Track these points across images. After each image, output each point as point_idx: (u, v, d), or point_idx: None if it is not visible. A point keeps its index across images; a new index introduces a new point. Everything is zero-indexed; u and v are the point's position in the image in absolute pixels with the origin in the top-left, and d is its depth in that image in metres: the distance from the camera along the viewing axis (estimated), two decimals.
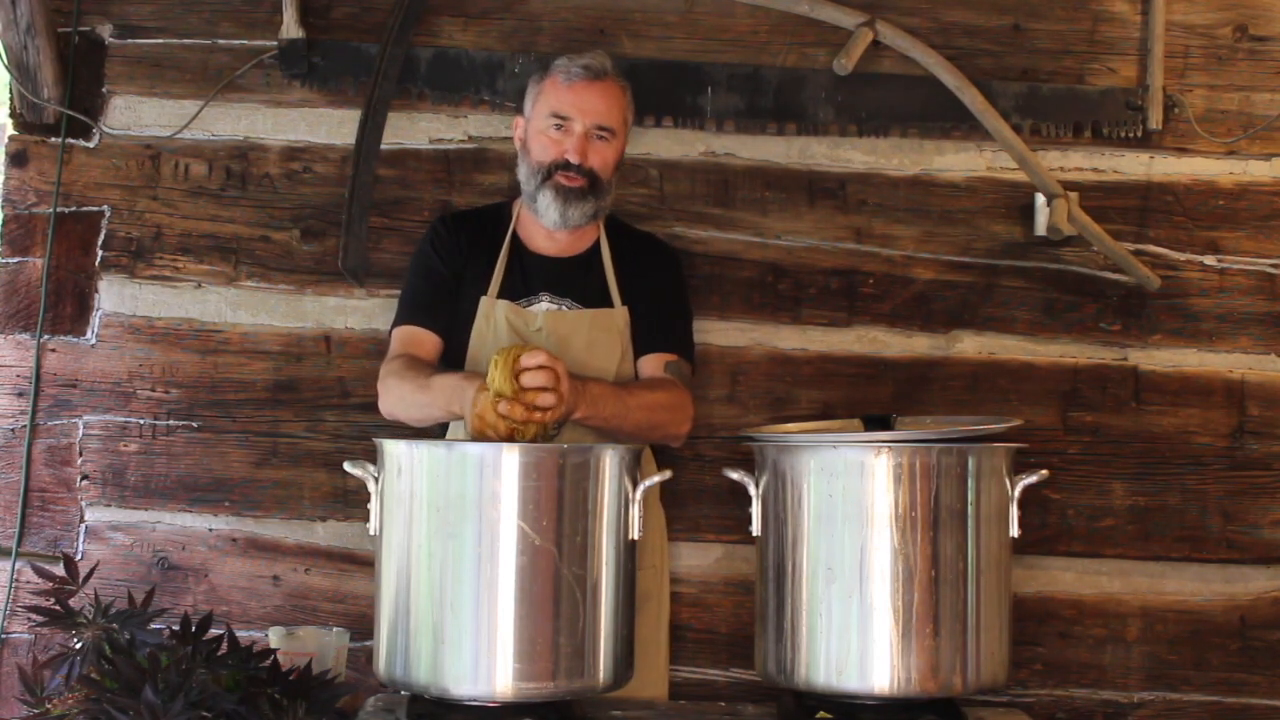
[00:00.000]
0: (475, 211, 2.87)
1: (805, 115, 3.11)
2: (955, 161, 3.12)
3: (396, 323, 2.74)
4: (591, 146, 2.64)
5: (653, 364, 2.70)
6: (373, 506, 2.16)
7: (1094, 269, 3.11)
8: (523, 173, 2.71)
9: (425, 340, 2.69)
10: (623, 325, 2.70)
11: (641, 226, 2.93)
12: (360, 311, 3.09)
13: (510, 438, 2.25)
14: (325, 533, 3.07)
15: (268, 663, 2.02)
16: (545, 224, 2.69)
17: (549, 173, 2.64)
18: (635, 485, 2.15)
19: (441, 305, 2.71)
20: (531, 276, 2.72)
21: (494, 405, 2.25)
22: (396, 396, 2.59)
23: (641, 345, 2.71)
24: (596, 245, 2.75)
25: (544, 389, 2.26)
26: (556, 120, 2.64)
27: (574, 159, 2.63)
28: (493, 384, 2.27)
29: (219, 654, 1.97)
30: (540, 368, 2.26)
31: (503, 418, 2.25)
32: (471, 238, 2.75)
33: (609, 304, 2.71)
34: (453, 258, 2.73)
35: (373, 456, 2.19)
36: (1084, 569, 3.08)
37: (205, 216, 3.11)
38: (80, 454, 3.08)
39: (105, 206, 3.11)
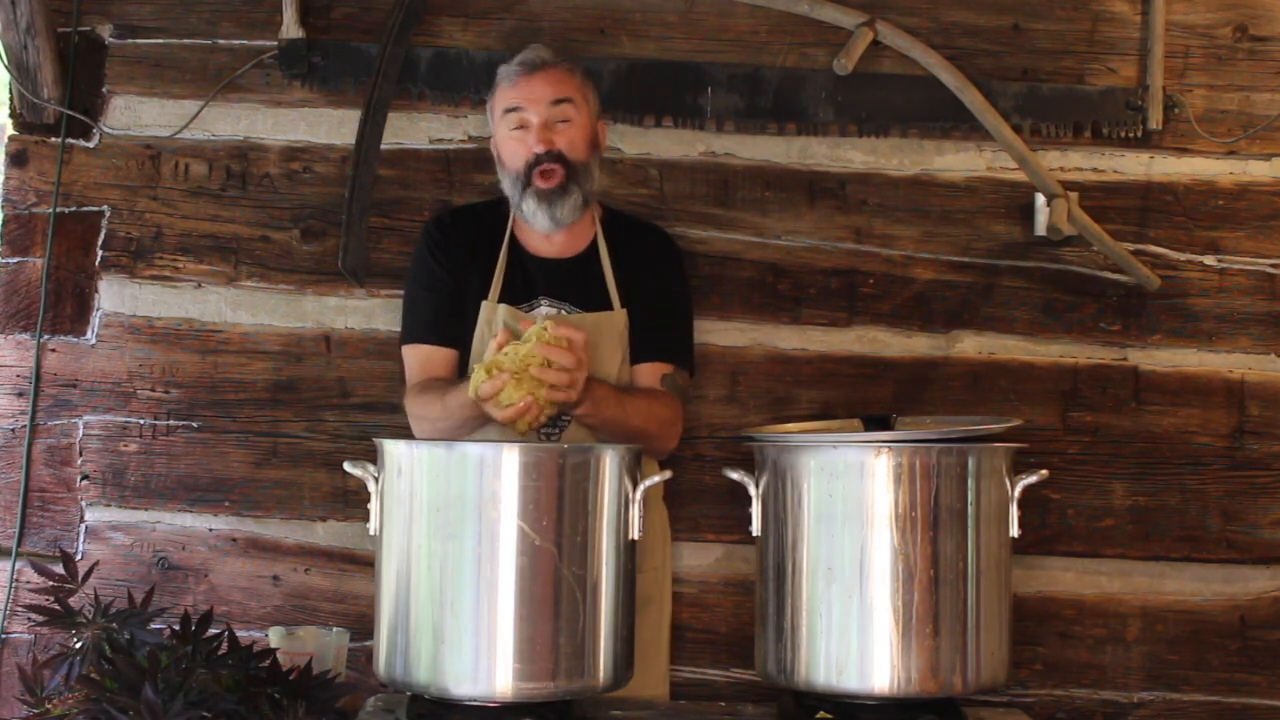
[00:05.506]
0: (469, 209, 2.85)
1: (805, 115, 3.11)
2: (955, 161, 3.12)
3: (406, 339, 2.73)
4: (554, 131, 2.63)
5: (648, 376, 2.68)
6: (373, 506, 2.16)
7: (1094, 269, 3.11)
8: (505, 185, 2.70)
9: (439, 359, 2.68)
10: (623, 328, 2.68)
11: None
12: (360, 311, 3.08)
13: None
14: (325, 533, 3.07)
15: (268, 663, 2.02)
16: (539, 229, 2.68)
17: (527, 178, 2.63)
18: (635, 485, 2.15)
19: (449, 315, 2.69)
20: (531, 279, 2.71)
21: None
22: (429, 426, 2.60)
23: (638, 352, 2.69)
24: (595, 244, 2.74)
25: (563, 369, 2.31)
26: (513, 118, 2.65)
27: (539, 149, 2.61)
28: (516, 352, 2.32)
29: (219, 654, 1.97)
30: (569, 344, 2.32)
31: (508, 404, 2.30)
32: (469, 238, 2.74)
33: (608, 306, 2.69)
34: (452, 261, 2.71)
35: (373, 456, 2.19)
36: (1084, 569, 3.08)
37: (205, 216, 3.11)
38: (80, 454, 3.07)
39: (105, 206, 3.11)
